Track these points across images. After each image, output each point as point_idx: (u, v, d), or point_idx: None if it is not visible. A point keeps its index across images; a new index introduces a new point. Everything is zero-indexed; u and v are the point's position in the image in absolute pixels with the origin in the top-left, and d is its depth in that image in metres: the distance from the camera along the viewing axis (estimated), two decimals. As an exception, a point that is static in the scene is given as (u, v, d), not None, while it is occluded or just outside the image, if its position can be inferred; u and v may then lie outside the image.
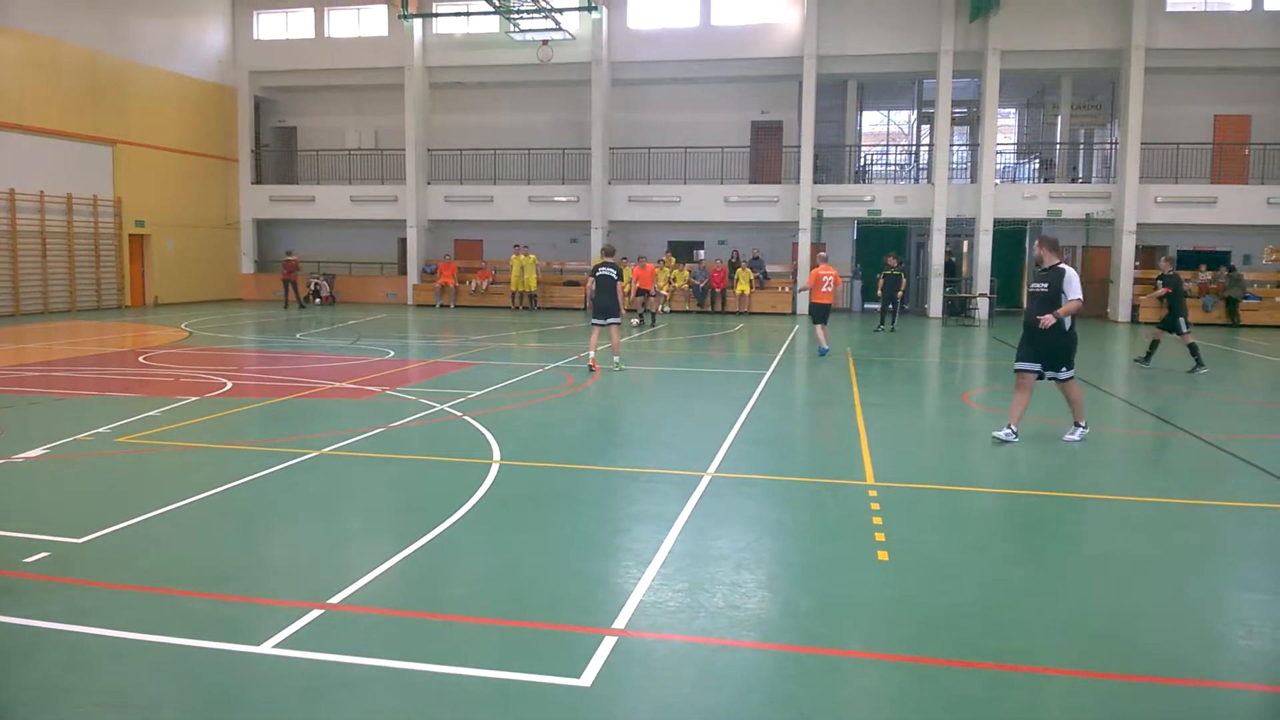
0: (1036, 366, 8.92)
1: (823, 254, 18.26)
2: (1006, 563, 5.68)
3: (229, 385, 12.05)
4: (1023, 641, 4.46)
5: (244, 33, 31.63)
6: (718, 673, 4.12)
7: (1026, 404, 9.05)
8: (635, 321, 22.94)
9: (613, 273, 13.82)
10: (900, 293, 22.85)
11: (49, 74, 24.37)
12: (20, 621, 4.44)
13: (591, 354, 14.14)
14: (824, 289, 16.82)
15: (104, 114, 26.12)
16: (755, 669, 4.18)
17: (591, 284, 14.06)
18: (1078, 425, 9.17)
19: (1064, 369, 8.91)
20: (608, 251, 14.34)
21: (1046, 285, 8.85)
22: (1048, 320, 8.60)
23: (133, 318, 23.94)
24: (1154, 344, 15.46)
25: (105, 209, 26.46)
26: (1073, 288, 8.72)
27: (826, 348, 16.39)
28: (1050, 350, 8.85)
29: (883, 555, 5.61)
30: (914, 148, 33.18)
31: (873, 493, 7.08)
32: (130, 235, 27.42)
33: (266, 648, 4.19)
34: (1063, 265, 8.88)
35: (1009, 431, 8.99)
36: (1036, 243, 9.19)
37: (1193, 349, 14.73)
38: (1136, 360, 15.71)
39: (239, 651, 4.17)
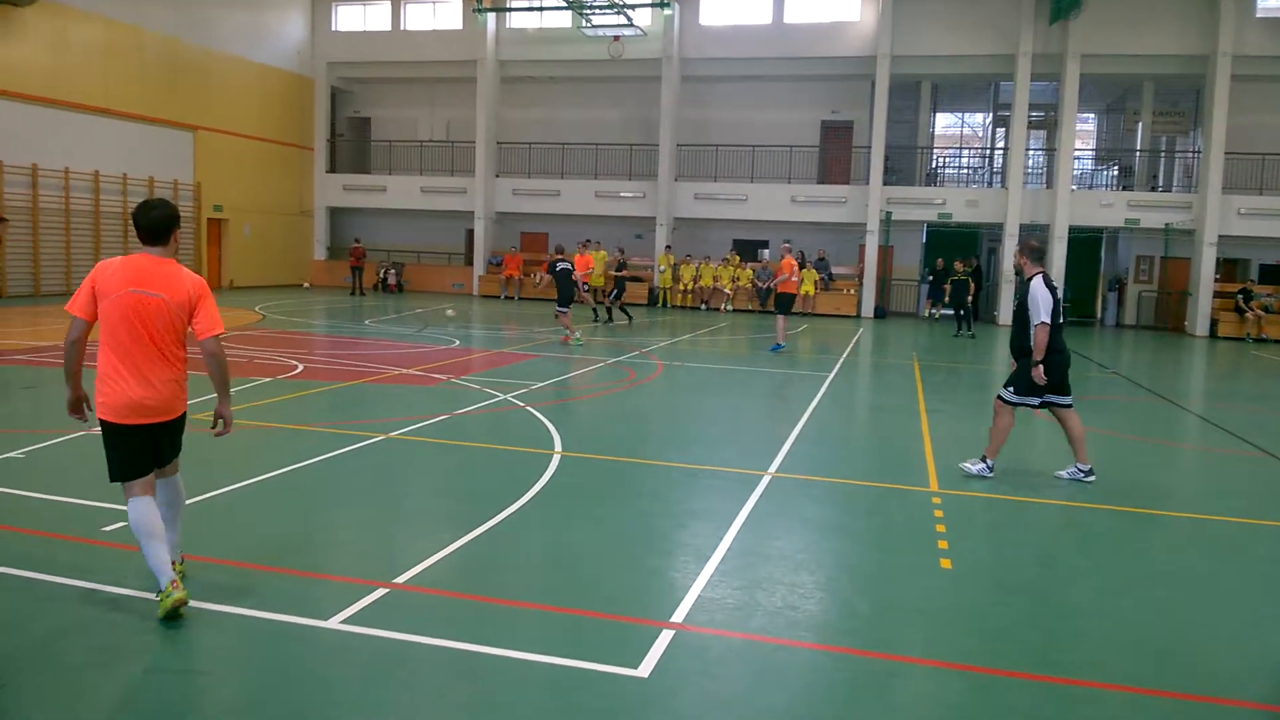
0: (1033, 401, 7.63)
1: (786, 244, 18.05)
2: (1072, 576, 5.57)
3: (300, 368, 12.34)
4: (1085, 656, 4.37)
5: (323, 24, 32.30)
6: (775, 672, 4.11)
7: (1008, 428, 7.77)
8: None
9: (569, 265, 17.25)
10: (970, 297, 22.45)
11: (132, 60, 25.14)
12: (98, 587, 4.62)
13: (578, 334, 16.77)
14: (792, 279, 17.17)
15: (185, 100, 26.88)
16: (813, 670, 4.16)
17: (549, 278, 17.13)
18: (984, 459, 7.76)
19: (1009, 387, 7.65)
20: (559, 250, 17.66)
21: (1018, 303, 7.58)
22: (1038, 375, 7.34)
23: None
24: None
25: (185, 193, 27.24)
26: (1037, 310, 7.28)
27: (782, 344, 16.67)
28: (1019, 369, 7.59)
29: (945, 563, 5.55)
30: (988, 151, 32.59)
31: (936, 500, 6.99)
32: (208, 219, 28.20)
33: (333, 623, 4.30)
34: (1034, 278, 7.43)
35: (983, 467, 7.76)
36: (1016, 249, 7.85)
37: None
38: None
39: (307, 625, 4.28)
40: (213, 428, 4.66)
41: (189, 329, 4.47)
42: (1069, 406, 7.72)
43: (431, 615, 4.52)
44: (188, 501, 5.84)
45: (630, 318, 22.09)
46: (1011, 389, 7.65)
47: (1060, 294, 7.56)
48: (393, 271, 31.24)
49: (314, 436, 8.33)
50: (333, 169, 33.35)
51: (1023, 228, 27.15)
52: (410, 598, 4.70)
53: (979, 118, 34.35)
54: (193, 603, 4.40)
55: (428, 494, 7.00)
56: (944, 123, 34.24)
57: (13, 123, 21.84)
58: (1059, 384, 7.58)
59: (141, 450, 4.41)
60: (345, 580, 4.91)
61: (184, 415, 4.63)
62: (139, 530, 4.33)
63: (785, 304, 16.88)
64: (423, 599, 4.70)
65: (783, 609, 4.79)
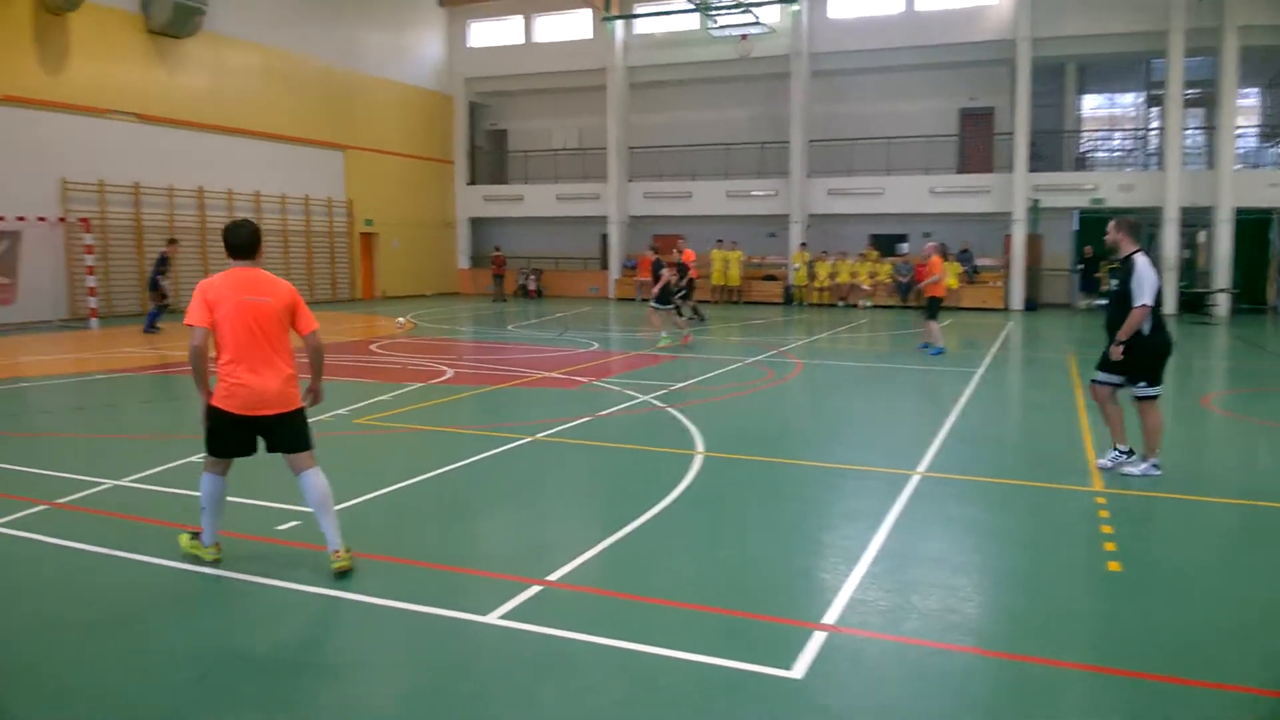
0: (1116, 379, 7.26)
1: (933, 243, 16.90)
2: (1252, 579, 5.20)
3: (450, 373, 12.79)
4: (1267, 664, 4.08)
5: (459, 42, 33.44)
6: (933, 676, 4.01)
7: (1118, 415, 7.37)
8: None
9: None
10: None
11: (287, 85, 26.67)
12: (274, 583, 4.91)
13: (664, 334, 16.52)
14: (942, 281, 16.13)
15: (335, 121, 28.32)
16: (972, 676, 4.03)
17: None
18: (1145, 458, 7.27)
19: (1142, 383, 7.15)
20: (655, 248, 16.80)
21: (1118, 283, 7.15)
22: (1115, 353, 7.02)
23: (363, 310, 25.84)
24: None
25: (339, 209, 28.69)
26: (1142, 287, 6.88)
27: (941, 346, 15.66)
28: (1128, 359, 7.10)
29: (1114, 566, 5.27)
30: (1142, 132, 30.80)
31: (1101, 500, 6.65)
32: (360, 233, 29.60)
33: (493, 618, 4.44)
34: (1136, 255, 7.04)
35: (1116, 453, 7.40)
36: (1111, 224, 7.34)
37: None
38: None
39: (468, 620, 4.44)
40: (304, 399, 5.25)
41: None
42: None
43: (585, 612, 4.61)
44: (356, 500, 6.13)
45: (688, 317, 20.83)
46: (1145, 384, 7.17)
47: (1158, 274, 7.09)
48: (532, 277, 32.07)
49: (465, 439, 8.62)
50: (473, 181, 34.47)
51: (1183, 211, 25.55)
52: (564, 595, 4.80)
53: (1130, 97, 32.47)
54: (360, 596, 4.64)
55: (575, 494, 7.14)
56: (1092, 104, 32.51)
57: (180, 149, 23.49)
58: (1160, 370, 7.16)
59: (243, 439, 5.05)
60: (501, 577, 5.06)
61: (300, 410, 5.15)
62: (207, 498, 5.09)
63: (935, 308, 15.71)
64: (576, 596, 4.80)
65: (939, 611, 4.67)
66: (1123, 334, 6.97)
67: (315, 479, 5.09)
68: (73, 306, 20.75)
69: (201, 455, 7.65)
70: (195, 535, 5.23)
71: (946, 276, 16.35)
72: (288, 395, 5.04)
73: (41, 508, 6.22)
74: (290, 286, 5.14)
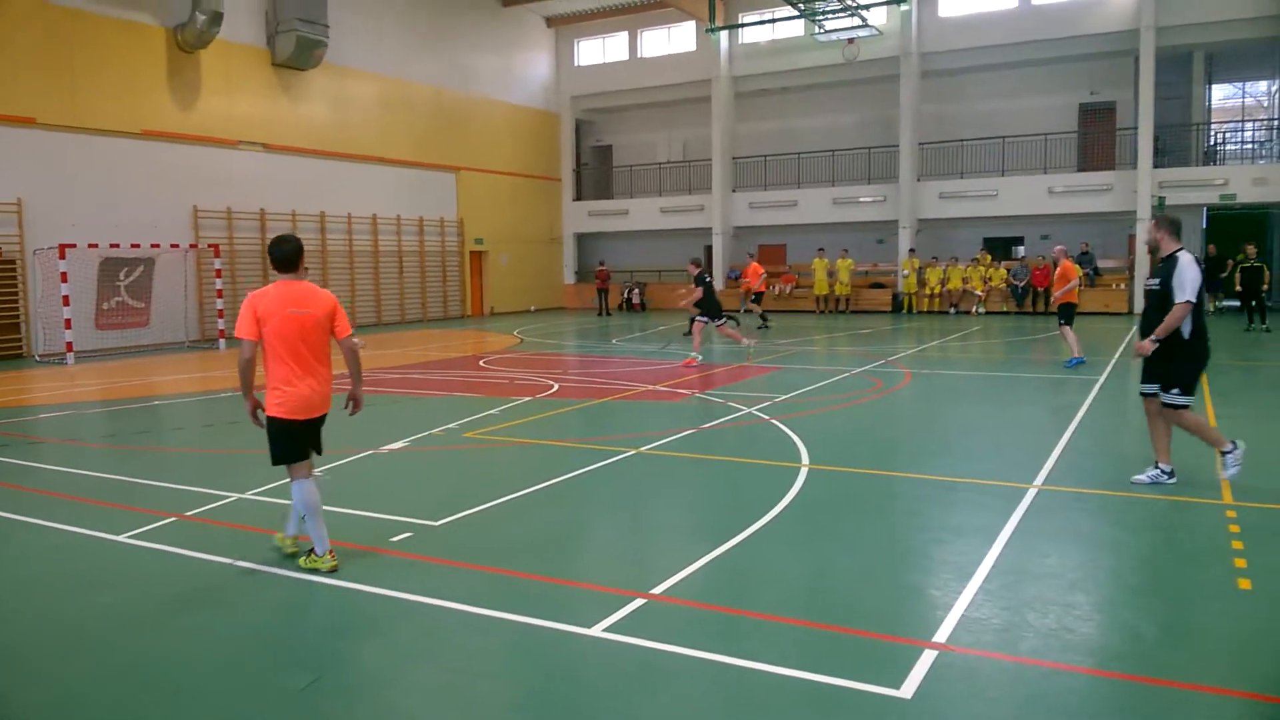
0: (1155, 388, 7.03)
1: (1061, 246, 15.98)
2: None
3: (556, 387, 12.98)
4: None
5: (565, 60, 34.04)
6: (1049, 697, 3.85)
7: (1166, 433, 7.08)
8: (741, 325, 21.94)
9: (708, 277, 16.01)
10: (1266, 286, 20.00)
11: (402, 111, 27.62)
12: (387, 593, 5.07)
13: (744, 342, 16.10)
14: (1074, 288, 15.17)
15: (448, 144, 29.17)
16: (1092, 698, 3.86)
17: (699, 291, 15.69)
18: (1157, 466, 7.06)
19: (1174, 389, 6.86)
20: (697, 263, 16.30)
21: (1159, 281, 6.86)
22: (1144, 347, 6.79)
23: (473, 326, 26.50)
24: None
25: (451, 229, 29.52)
26: (1184, 285, 6.61)
27: (1081, 356, 14.46)
28: (1162, 365, 6.88)
29: (1244, 584, 4.98)
30: (1275, 122, 29.04)
31: (1231, 514, 6.28)
32: (470, 252, 30.39)
33: (597, 630, 4.48)
34: (1179, 253, 6.82)
35: (1157, 472, 7.11)
36: (1152, 223, 7.13)
37: None
38: None
39: (572, 632, 4.49)
40: (345, 408, 5.69)
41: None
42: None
43: (688, 626, 4.60)
44: (466, 513, 6.29)
45: (738, 323, 19.64)
46: (1178, 391, 6.87)
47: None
48: (636, 291, 32.29)
49: (571, 452, 8.73)
50: (579, 197, 34.98)
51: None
52: (667, 608, 4.81)
53: (1263, 86, 30.68)
54: (467, 607, 4.76)
55: (678, 507, 7.14)
56: (1221, 94, 30.89)
57: (303, 176, 24.58)
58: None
59: (306, 440, 5.47)
60: (605, 590, 5.10)
61: (326, 414, 5.59)
62: (306, 506, 5.39)
63: (1069, 314, 14.82)
64: (679, 610, 4.80)
65: (1056, 631, 4.48)
66: (1161, 330, 6.71)
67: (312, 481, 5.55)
68: (203, 328, 21.91)
69: (320, 470, 7.99)
70: (309, 552, 5.47)
71: (1079, 281, 15.38)
72: (329, 398, 5.54)
73: (170, 520, 6.57)
74: (331, 296, 5.53)
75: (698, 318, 15.87)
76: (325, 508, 5.84)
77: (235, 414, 11.61)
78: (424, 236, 28.49)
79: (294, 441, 5.41)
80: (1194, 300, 6.63)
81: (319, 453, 5.63)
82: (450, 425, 10.02)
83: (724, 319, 16.11)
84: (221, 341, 20.75)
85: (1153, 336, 6.80)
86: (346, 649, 4.44)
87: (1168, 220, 7.04)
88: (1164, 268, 6.87)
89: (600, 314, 29.79)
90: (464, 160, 29.86)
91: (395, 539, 5.99)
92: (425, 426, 9.96)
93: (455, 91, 29.46)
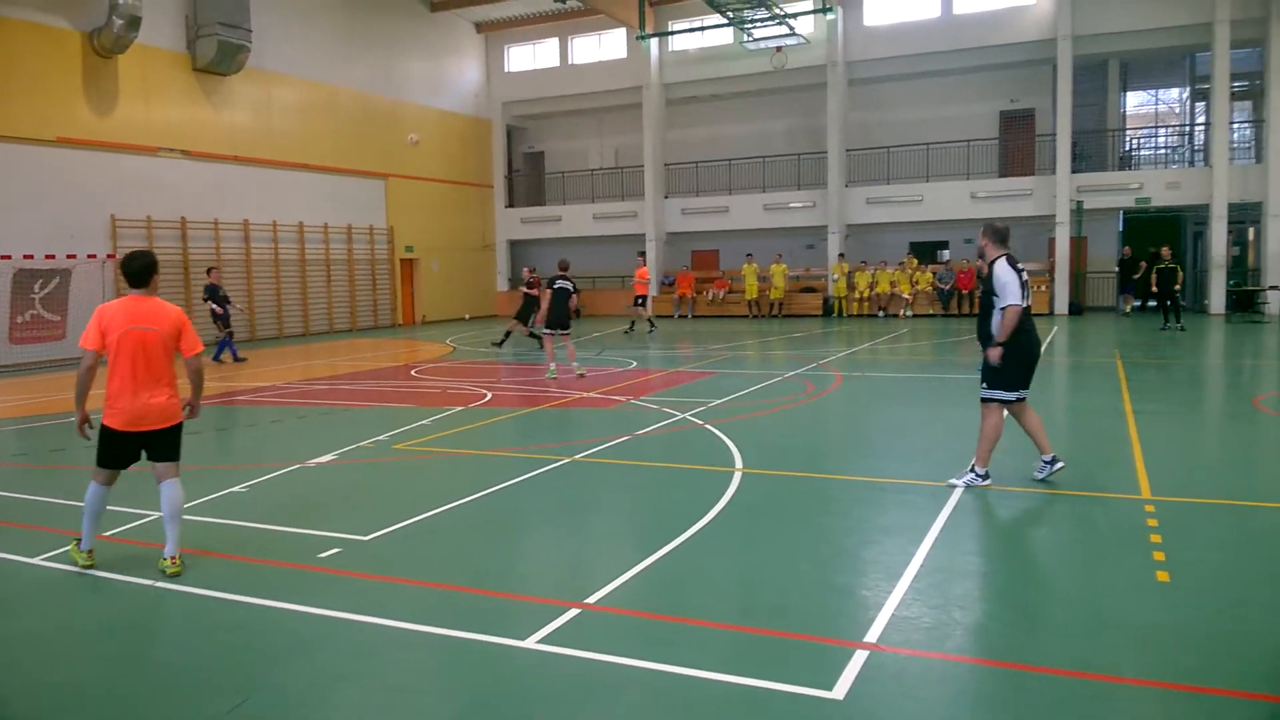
0: (1011, 395, 7.11)
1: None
2: (1316, 589, 5.03)
3: (489, 396, 12.87)
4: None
5: (496, 67, 33.85)
6: (978, 694, 3.93)
7: (1037, 427, 7.21)
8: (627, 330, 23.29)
9: (569, 285, 14.64)
10: (1177, 287, 20.76)
11: (329, 117, 27.16)
12: (315, 611, 4.94)
13: (553, 364, 14.58)
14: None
15: (376, 150, 28.76)
16: (1019, 692, 3.93)
17: (549, 295, 14.70)
18: (972, 469, 7.16)
19: (984, 384, 7.09)
20: (563, 266, 15.15)
21: (984, 290, 7.03)
22: (993, 356, 6.92)
23: (405, 334, 26.14)
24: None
25: (380, 237, 29.09)
26: (1003, 291, 6.79)
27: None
28: (985, 364, 7.06)
29: (1163, 576, 5.13)
30: (1187, 128, 30.20)
31: (1149, 508, 6.49)
32: (401, 260, 29.99)
33: (531, 643, 4.43)
34: (996, 261, 6.94)
35: (1043, 464, 7.23)
36: (981, 233, 7.25)
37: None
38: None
39: (506, 645, 4.43)
40: (183, 411, 5.79)
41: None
42: (1023, 401, 7.15)
43: (623, 635, 4.59)
44: (395, 527, 6.18)
45: (519, 338, 19.95)
46: (985, 385, 7.10)
47: (1023, 277, 6.89)
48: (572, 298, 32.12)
49: (504, 461, 8.66)
50: (511, 204, 34.78)
51: (1232, 207, 24.98)
52: (602, 618, 4.78)
53: (1175, 93, 31.89)
54: (398, 623, 4.67)
55: (613, 515, 7.12)
56: (1135, 101, 32.00)
57: (226, 183, 23.99)
58: (1030, 375, 7.07)
59: (127, 452, 5.61)
60: (539, 601, 5.05)
61: (179, 425, 5.73)
62: (87, 504, 5.63)
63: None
64: (614, 619, 4.78)
65: (983, 627, 4.57)
66: (1001, 335, 6.86)
67: (175, 489, 5.66)
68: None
69: (244, 485, 7.79)
70: (76, 542, 5.72)
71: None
72: (168, 411, 5.63)
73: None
74: (177, 313, 5.66)
75: (542, 330, 15.01)
76: (247, 524, 5.69)
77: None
78: (352, 244, 28.03)
79: (116, 450, 5.59)
80: (1019, 302, 6.79)
81: (174, 459, 5.72)
82: (380, 437, 9.86)
83: (551, 331, 14.85)
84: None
85: (994, 343, 6.94)
86: (273, 670, 4.32)
87: (992, 229, 7.16)
88: (988, 276, 7.02)
89: (529, 322, 29.52)
90: (393, 167, 29.48)
91: (323, 555, 5.85)
92: (354, 439, 9.79)
93: (384, 97, 29.07)
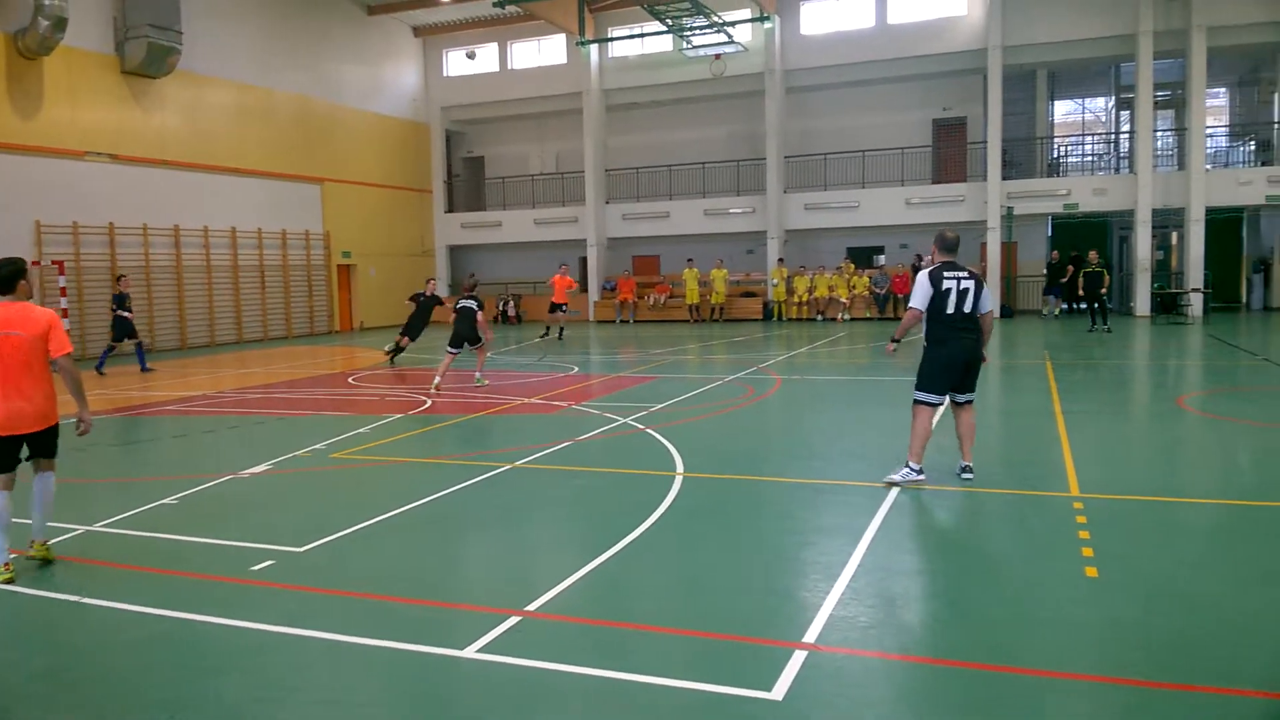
0: (934, 398, 7.41)
1: (919, 255, 17.21)
2: (1231, 581, 5.21)
3: (429, 403, 12.73)
4: (1249, 666, 4.08)
5: (434, 71, 33.55)
6: (915, 691, 4.00)
7: (925, 429, 7.38)
8: (540, 337, 23.39)
9: (473, 304, 14.34)
10: (1104, 290, 21.38)
11: (263, 121, 26.67)
12: (248, 625, 4.84)
13: (438, 379, 13.97)
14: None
15: (312, 155, 28.31)
16: (954, 689, 4.01)
17: (453, 316, 14.51)
18: (906, 464, 7.38)
19: (917, 388, 7.39)
20: (469, 286, 14.85)
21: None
22: (888, 348, 7.65)
23: (342, 341, 25.75)
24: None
25: (316, 242, 28.63)
26: (912, 296, 7.30)
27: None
28: (920, 367, 7.46)
29: (1091, 571, 5.28)
30: (1113, 136, 31.13)
31: (1078, 505, 6.66)
32: (338, 265, 29.54)
33: (470, 652, 4.39)
34: (934, 266, 7.30)
35: (959, 467, 7.56)
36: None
37: None
38: None
39: (445, 655, 4.38)
40: (76, 429, 5.91)
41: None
42: (968, 403, 7.49)
43: (564, 642, 4.57)
44: (332, 537, 6.11)
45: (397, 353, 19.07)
46: (916, 386, 7.41)
47: (962, 285, 7.15)
48: (511, 304, 32.02)
49: (443, 469, 8.57)
50: (450, 209, 34.49)
51: (1155, 212, 25.82)
52: (543, 625, 4.76)
53: (1101, 102, 32.83)
54: (335, 635, 4.60)
55: (554, 521, 7.10)
56: (1063, 110, 32.85)
57: (156, 188, 23.40)
58: (960, 380, 7.34)
59: (8, 455, 5.69)
60: (479, 609, 5.01)
61: (55, 425, 5.87)
62: None
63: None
64: (555, 626, 4.76)
65: (919, 626, 4.66)
66: (898, 332, 7.52)
67: (49, 481, 5.91)
68: (49, 349, 20.54)
69: (175, 497, 7.61)
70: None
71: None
72: (45, 413, 5.75)
73: (10, 557, 6.11)
74: (47, 315, 5.74)
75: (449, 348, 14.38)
76: (178, 537, 5.55)
77: (82, 441, 10.93)
78: (287, 250, 27.53)
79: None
80: (920, 308, 7.20)
81: (50, 456, 5.88)
82: (317, 446, 9.69)
83: (454, 350, 14.35)
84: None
85: (891, 339, 7.69)
86: (205, 685, 4.21)
87: (940, 236, 7.43)
88: None
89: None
90: (329, 171, 29.05)
91: (256, 568, 5.74)
92: (290, 448, 9.60)
93: (319, 101, 28.64)
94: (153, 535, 6.51)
